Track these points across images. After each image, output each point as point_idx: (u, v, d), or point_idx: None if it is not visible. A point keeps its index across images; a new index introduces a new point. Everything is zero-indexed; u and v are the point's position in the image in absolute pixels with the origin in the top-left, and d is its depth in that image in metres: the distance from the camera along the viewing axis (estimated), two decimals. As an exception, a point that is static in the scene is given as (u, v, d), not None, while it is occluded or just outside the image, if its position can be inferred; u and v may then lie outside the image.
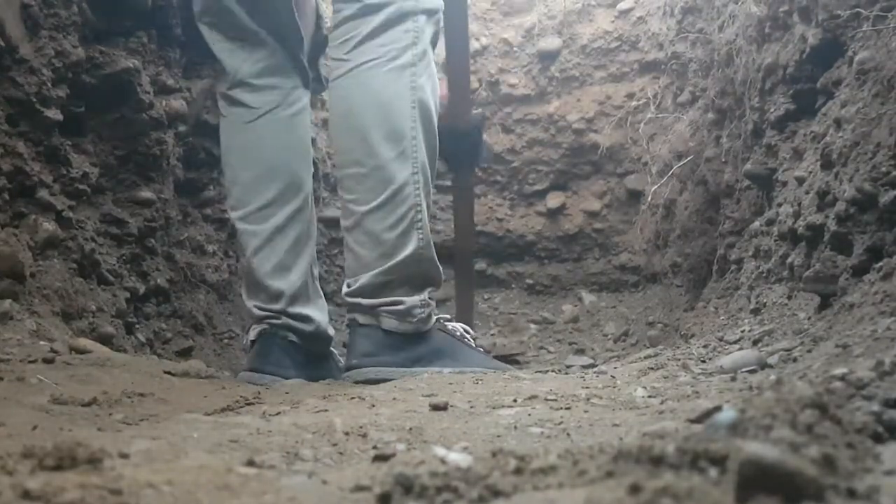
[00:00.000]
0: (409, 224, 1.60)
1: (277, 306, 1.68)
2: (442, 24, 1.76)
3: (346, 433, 0.82)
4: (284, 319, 1.68)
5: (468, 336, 1.77)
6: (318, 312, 1.73)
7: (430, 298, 1.65)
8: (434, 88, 1.67)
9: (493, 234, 3.11)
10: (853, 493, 0.41)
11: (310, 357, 1.71)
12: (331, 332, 1.78)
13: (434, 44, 1.69)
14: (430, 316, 1.65)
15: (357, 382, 1.56)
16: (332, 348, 1.82)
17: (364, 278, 1.61)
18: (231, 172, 1.74)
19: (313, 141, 2.10)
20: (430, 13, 1.66)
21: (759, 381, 1.04)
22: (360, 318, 1.62)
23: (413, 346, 1.61)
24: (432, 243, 1.65)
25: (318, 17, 1.86)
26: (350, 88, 1.63)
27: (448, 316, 1.77)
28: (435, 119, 1.67)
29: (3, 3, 1.48)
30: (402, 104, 1.60)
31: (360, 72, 1.61)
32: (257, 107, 1.72)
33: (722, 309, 1.96)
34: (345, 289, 1.66)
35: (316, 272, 1.78)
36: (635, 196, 2.95)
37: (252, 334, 1.71)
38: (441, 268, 1.69)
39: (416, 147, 1.60)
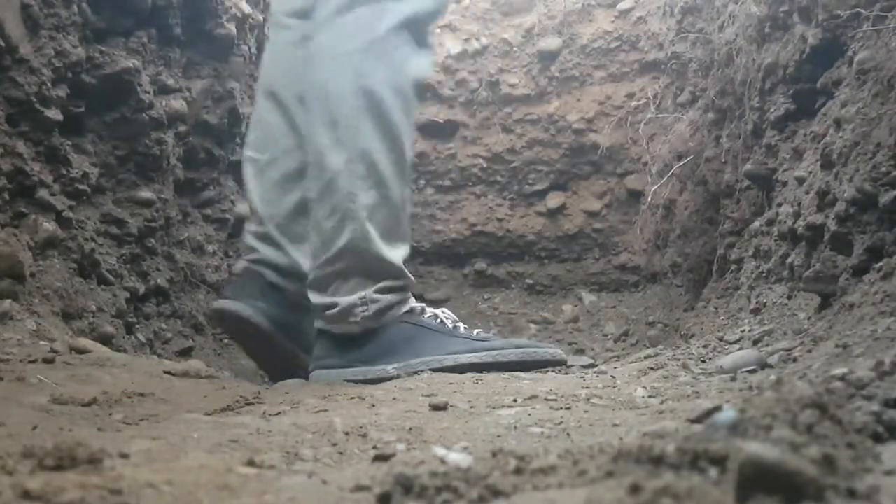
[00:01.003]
0: (343, 214, 1.53)
1: (261, 229, 1.67)
2: (442, 13, 1.72)
3: (346, 433, 0.82)
4: (263, 251, 1.66)
5: (448, 321, 1.67)
6: (300, 250, 1.67)
7: (381, 294, 1.58)
8: (397, 74, 1.58)
9: (493, 234, 3.11)
10: (853, 493, 0.41)
11: (290, 301, 1.66)
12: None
13: (416, 32, 1.61)
14: (378, 312, 1.57)
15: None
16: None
17: (315, 270, 1.58)
18: (254, 112, 1.78)
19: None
20: None
21: (759, 381, 1.04)
22: (316, 322, 1.60)
23: (362, 345, 1.56)
24: (376, 237, 1.56)
25: None
26: (303, 77, 1.61)
27: (422, 305, 1.66)
28: (394, 108, 1.57)
29: (4, 3, 1.48)
30: (342, 91, 1.55)
31: (315, 54, 1.59)
32: (275, 41, 1.75)
33: (722, 309, 1.96)
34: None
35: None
36: (635, 196, 2.94)
37: (236, 267, 1.71)
38: (397, 265, 1.59)
39: (357, 136, 1.54)
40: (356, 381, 1.48)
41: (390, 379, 1.47)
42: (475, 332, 1.71)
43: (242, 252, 1.73)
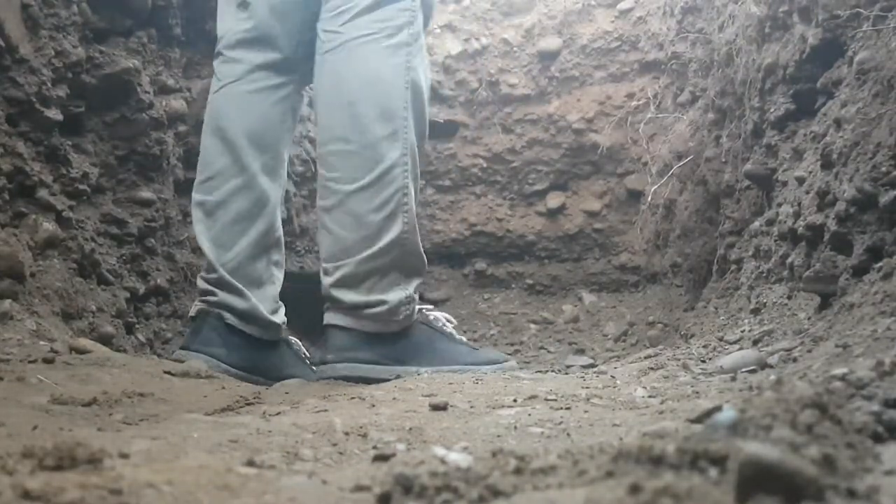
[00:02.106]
0: (395, 207, 1.53)
1: (215, 276, 1.62)
2: (433, 10, 1.72)
3: (346, 433, 0.82)
4: (220, 295, 1.62)
5: (450, 326, 1.70)
6: (259, 294, 1.65)
7: (416, 292, 1.59)
8: (426, 72, 1.62)
9: (493, 234, 3.11)
10: (853, 493, 0.41)
11: (251, 342, 1.63)
12: (277, 319, 1.68)
13: (424, 29, 1.64)
14: (413, 313, 1.58)
15: (330, 379, 1.52)
16: (288, 338, 1.73)
17: (347, 266, 1.54)
18: (202, 139, 1.72)
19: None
20: None
21: (759, 381, 1.04)
22: (340, 321, 1.55)
23: (392, 342, 1.55)
24: (418, 231, 1.58)
25: None
26: (342, 62, 1.57)
27: (431, 306, 1.71)
28: (426, 103, 1.61)
29: (4, 3, 1.48)
30: (396, 83, 1.55)
31: (354, 45, 1.56)
32: (221, 78, 1.69)
33: (722, 309, 1.96)
34: (324, 277, 1.58)
35: (277, 258, 1.71)
36: (635, 196, 2.94)
37: (192, 310, 1.67)
38: (425, 259, 1.62)
39: (407, 128, 1.55)
40: (387, 379, 1.45)
41: None
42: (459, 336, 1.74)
43: (197, 294, 1.69)
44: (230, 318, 1.62)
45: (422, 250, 1.60)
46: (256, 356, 1.63)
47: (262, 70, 1.67)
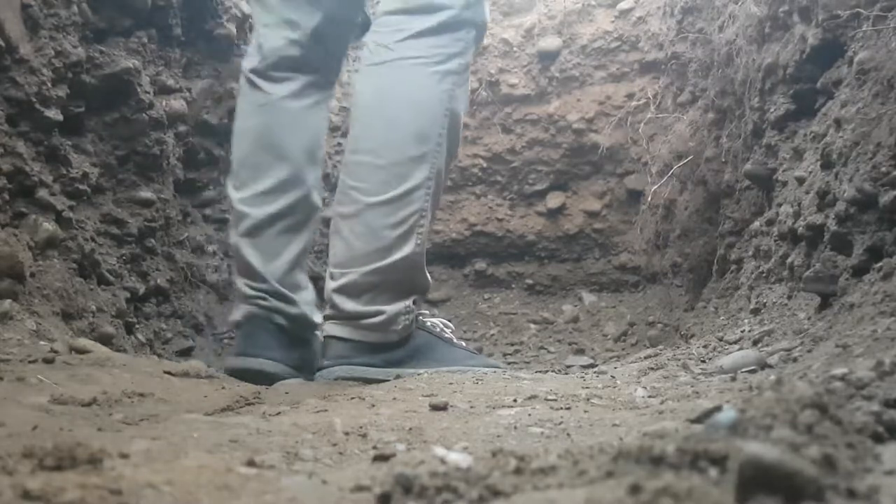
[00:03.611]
0: (410, 227, 1.56)
1: (264, 286, 1.66)
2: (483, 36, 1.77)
3: (346, 433, 0.82)
4: (271, 301, 1.66)
5: (448, 331, 1.72)
6: (303, 298, 1.72)
7: (413, 304, 1.61)
8: (465, 105, 1.67)
9: (493, 234, 3.11)
10: (853, 493, 0.41)
11: (294, 341, 1.68)
12: (316, 318, 1.72)
13: (474, 52, 1.72)
14: (412, 322, 1.60)
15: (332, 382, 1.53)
16: (316, 333, 1.76)
17: (352, 275, 1.56)
18: (239, 153, 1.73)
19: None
20: (479, 28, 1.68)
21: (759, 381, 1.04)
22: (339, 332, 1.57)
23: (391, 349, 1.57)
24: (423, 253, 1.61)
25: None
26: (388, 79, 1.60)
27: (427, 311, 1.72)
28: (461, 130, 1.66)
29: (4, 3, 1.48)
30: (436, 109, 1.58)
31: (403, 65, 1.58)
32: (272, 93, 1.71)
33: (722, 309, 1.96)
34: (328, 281, 1.60)
35: (305, 264, 1.76)
36: (635, 196, 2.94)
37: (238, 314, 1.69)
38: (429, 279, 1.66)
39: (438, 154, 1.58)
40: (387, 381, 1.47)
41: None
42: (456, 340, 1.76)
43: (238, 299, 1.71)
44: (282, 321, 1.67)
45: (426, 271, 1.63)
46: (306, 355, 1.69)
47: (310, 87, 1.73)
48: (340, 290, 1.57)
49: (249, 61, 1.74)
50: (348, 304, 1.56)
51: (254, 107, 1.73)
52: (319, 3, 1.70)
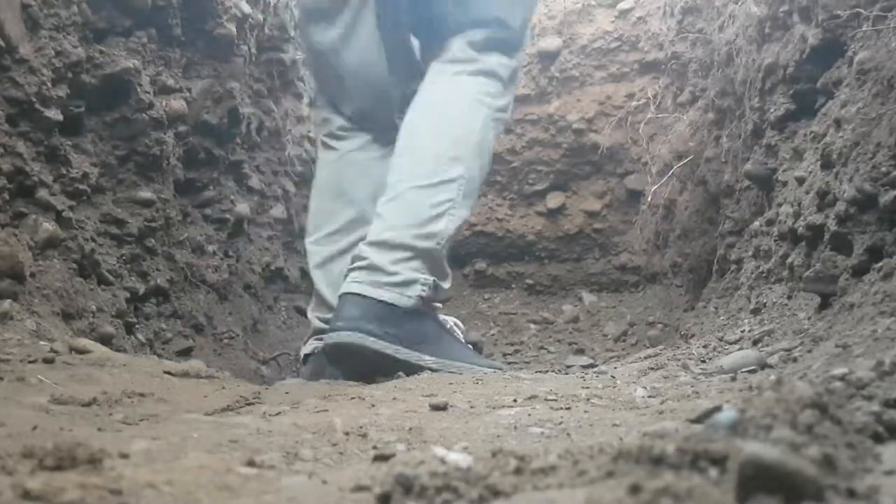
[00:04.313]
0: (444, 210, 1.67)
1: (331, 315, 1.72)
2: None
3: (346, 433, 0.82)
4: None
5: (458, 330, 1.79)
6: None
7: (434, 288, 1.66)
8: (494, 139, 1.82)
9: (493, 234, 3.11)
10: (853, 493, 0.41)
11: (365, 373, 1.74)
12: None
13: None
14: (429, 299, 1.65)
15: (332, 347, 1.58)
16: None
17: (388, 234, 1.64)
18: (315, 204, 1.95)
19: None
20: (508, 85, 1.84)
21: (759, 381, 1.04)
22: (355, 288, 1.62)
23: (401, 322, 1.60)
24: (447, 246, 1.69)
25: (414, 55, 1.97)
26: (446, 87, 1.78)
27: (440, 306, 1.76)
28: (489, 161, 1.80)
29: (4, 3, 1.48)
30: (475, 120, 1.75)
31: (459, 79, 1.78)
32: (339, 149, 1.94)
33: (722, 309, 1.96)
34: (361, 246, 1.69)
35: None
36: (635, 196, 2.94)
37: (307, 348, 1.80)
38: (450, 273, 1.73)
39: (472, 161, 1.72)
40: (388, 356, 1.54)
41: (422, 369, 1.53)
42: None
43: (310, 333, 1.86)
44: None
45: (446, 262, 1.72)
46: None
47: (373, 143, 1.95)
48: (372, 244, 1.65)
49: (319, 130, 2.01)
50: (375, 256, 1.63)
51: (326, 163, 1.97)
52: (351, 100, 1.92)
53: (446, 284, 1.72)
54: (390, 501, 0.49)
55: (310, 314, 1.87)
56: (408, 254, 1.63)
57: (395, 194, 1.69)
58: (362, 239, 1.76)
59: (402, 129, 1.78)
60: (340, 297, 1.65)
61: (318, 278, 1.85)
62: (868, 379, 0.64)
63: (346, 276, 1.67)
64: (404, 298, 1.60)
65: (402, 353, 1.55)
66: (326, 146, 1.97)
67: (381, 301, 1.59)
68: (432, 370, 1.53)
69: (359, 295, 1.60)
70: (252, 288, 2.43)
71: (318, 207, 1.94)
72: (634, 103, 2.88)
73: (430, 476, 0.50)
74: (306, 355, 1.79)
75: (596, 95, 2.99)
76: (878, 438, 0.53)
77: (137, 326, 1.85)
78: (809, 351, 1.16)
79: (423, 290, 1.63)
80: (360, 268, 1.63)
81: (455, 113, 1.76)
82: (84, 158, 1.74)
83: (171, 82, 1.97)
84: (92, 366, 1.25)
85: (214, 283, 2.20)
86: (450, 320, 1.78)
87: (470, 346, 1.80)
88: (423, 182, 1.68)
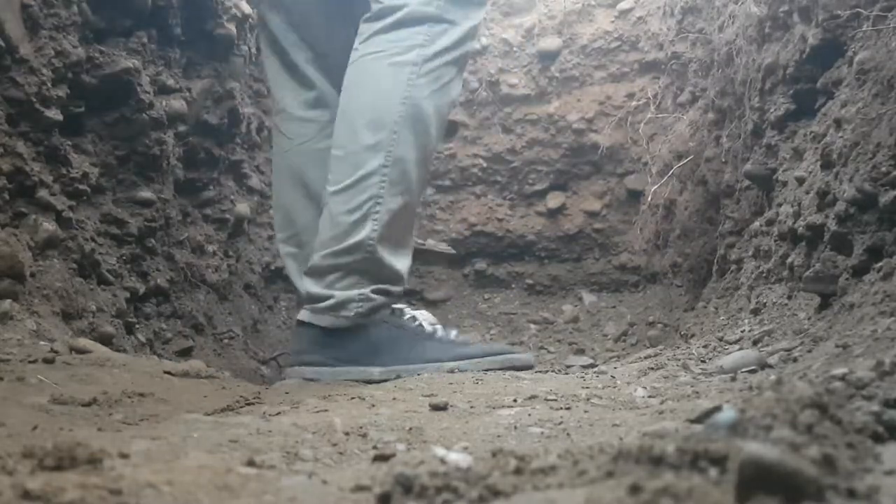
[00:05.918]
0: (365, 213, 1.58)
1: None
2: (474, 43, 1.77)
3: (346, 433, 0.82)
4: None
5: (429, 325, 1.71)
6: None
7: (377, 294, 1.62)
8: (440, 95, 1.65)
9: (493, 234, 3.11)
10: (853, 493, 0.41)
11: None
12: None
13: (458, 60, 1.68)
14: (371, 311, 1.61)
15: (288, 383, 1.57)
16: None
17: (315, 258, 1.62)
18: (275, 198, 1.85)
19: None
20: (452, 24, 1.65)
21: (759, 381, 1.04)
22: (303, 315, 1.63)
23: (346, 342, 1.59)
24: (388, 242, 1.60)
25: None
26: (353, 76, 1.65)
27: (404, 306, 1.71)
28: (432, 124, 1.64)
29: (4, 3, 1.48)
30: (392, 97, 1.60)
31: (364, 60, 1.63)
32: (293, 137, 1.81)
33: (722, 309, 1.96)
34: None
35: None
36: (635, 196, 2.94)
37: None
38: (400, 272, 1.64)
39: (395, 142, 1.59)
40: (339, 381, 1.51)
41: (373, 382, 1.50)
42: (452, 333, 1.75)
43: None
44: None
45: (389, 259, 1.61)
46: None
47: (328, 127, 1.77)
48: (307, 273, 1.64)
49: (274, 109, 1.88)
50: (310, 286, 1.62)
51: (280, 152, 1.84)
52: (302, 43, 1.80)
53: (397, 284, 1.65)
54: (390, 501, 0.49)
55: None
56: (338, 273, 1.60)
57: (325, 201, 1.63)
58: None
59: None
60: (293, 327, 1.67)
61: (297, 278, 1.77)
62: (868, 379, 0.64)
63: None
64: (341, 320, 1.60)
65: (355, 373, 1.55)
66: (278, 130, 1.85)
67: (322, 327, 1.60)
68: (377, 382, 1.51)
69: (305, 324, 1.63)
70: (252, 288, 2.44)
71: (278, 203, 1.84)
72: (634, 103, 2.88)
73: (430, 476, 0.50)
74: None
75: (596, 95, 2.99)
76: (878, 438, 0.53)
77: (137, 326, 1.85)
78: (809, 351, 1.16)
79: (360, 307, 1.60)
80: (305, 300, 1.64)
81: (366, 95, 1.62)
82: (84, 158, 1.74)
83: (171, 82, 1.97)
84: (92, 366, 1.25)
85: (214, 283, 2.20)
86: (419, 315, 1.71)
87: (452, 336, 1.72)
88: (340, 185, 1.60)
